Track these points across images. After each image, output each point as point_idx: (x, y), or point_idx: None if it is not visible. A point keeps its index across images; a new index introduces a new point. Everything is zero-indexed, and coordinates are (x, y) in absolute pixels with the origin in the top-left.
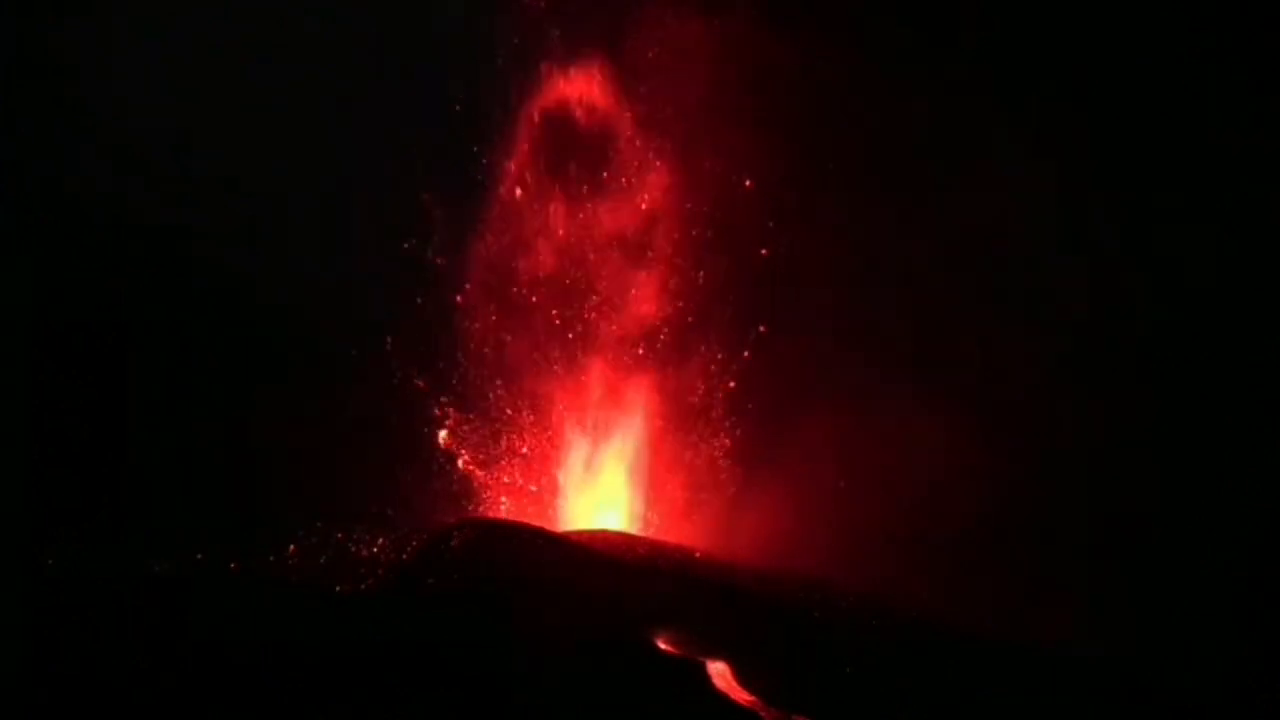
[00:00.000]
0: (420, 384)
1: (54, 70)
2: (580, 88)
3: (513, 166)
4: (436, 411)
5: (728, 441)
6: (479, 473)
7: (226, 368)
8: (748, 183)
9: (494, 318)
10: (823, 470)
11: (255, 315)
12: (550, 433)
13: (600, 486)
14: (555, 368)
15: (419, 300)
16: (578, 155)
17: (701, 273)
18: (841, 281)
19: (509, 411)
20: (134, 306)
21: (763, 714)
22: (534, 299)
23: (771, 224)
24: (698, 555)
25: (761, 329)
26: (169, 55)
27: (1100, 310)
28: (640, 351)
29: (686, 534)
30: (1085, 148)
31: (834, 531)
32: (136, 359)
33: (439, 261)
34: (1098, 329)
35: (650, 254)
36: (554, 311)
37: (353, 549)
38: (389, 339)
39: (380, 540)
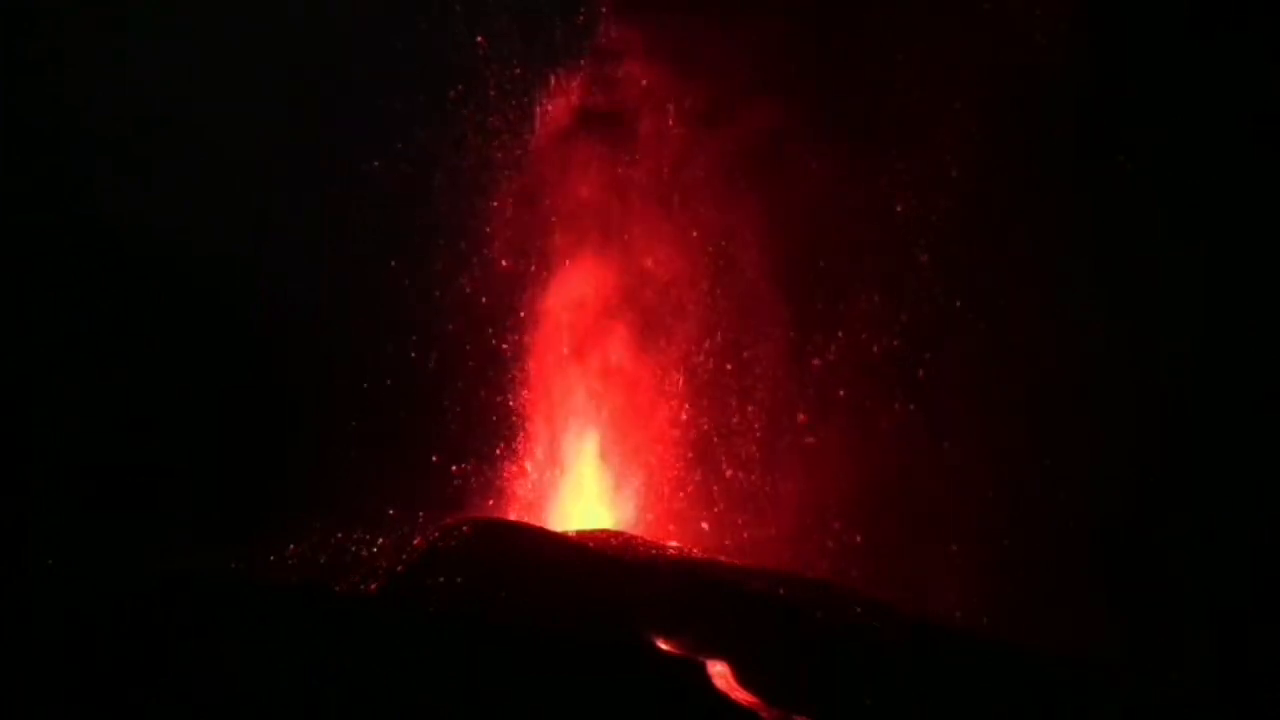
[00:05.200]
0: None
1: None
2: None
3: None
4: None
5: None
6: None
7: (227, 368)
8: None
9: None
10: (825, 471)
11: (257, 314)
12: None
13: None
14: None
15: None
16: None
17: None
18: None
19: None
20: (132, 304)
21: (763, 714)
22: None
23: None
24: (698, 555)
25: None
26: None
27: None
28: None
29: (686, 534)
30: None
31: (836, 531)
32: (136, 358)
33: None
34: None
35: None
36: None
37: (353, 549)
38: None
39: (380, 540)
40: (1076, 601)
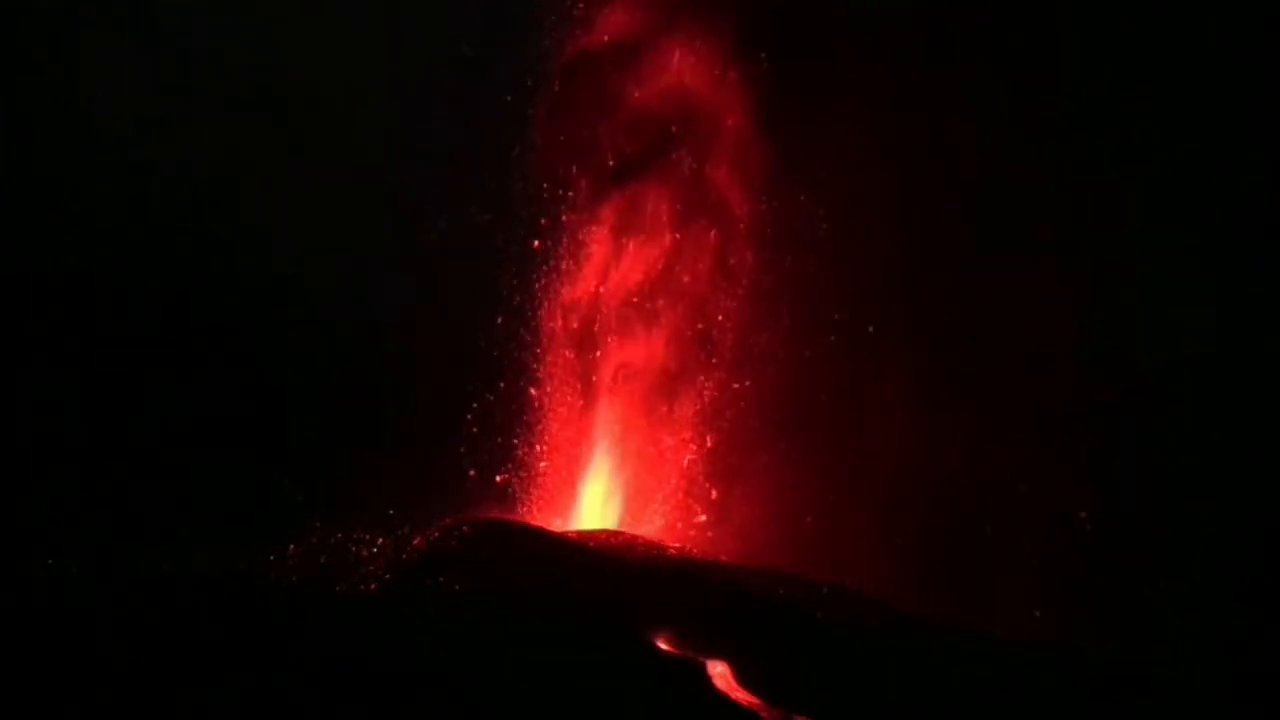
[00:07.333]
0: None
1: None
2: None
3: None
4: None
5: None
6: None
7: (229, 367)
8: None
9: None
10: (821, 469)
11: (258, 313)
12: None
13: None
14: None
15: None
16: None
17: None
18: (844, 283)
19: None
20: (132, 305)
21: (763, 714)
22: None
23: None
24: (698, 555)
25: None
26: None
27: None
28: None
29: (683, 533)
30: None
31: (835, 530)
32: (135, 358)
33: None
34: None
35: None
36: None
37: (353, 549)
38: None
39: (380, 540)
40: (1076, 599)
